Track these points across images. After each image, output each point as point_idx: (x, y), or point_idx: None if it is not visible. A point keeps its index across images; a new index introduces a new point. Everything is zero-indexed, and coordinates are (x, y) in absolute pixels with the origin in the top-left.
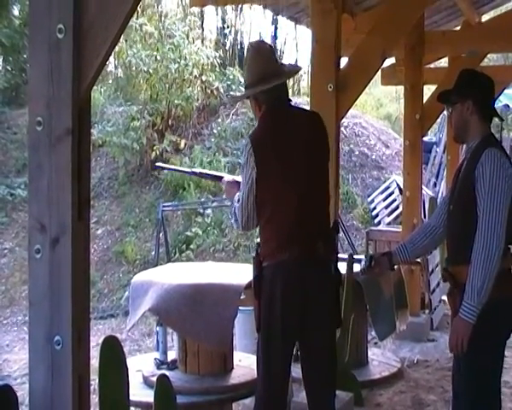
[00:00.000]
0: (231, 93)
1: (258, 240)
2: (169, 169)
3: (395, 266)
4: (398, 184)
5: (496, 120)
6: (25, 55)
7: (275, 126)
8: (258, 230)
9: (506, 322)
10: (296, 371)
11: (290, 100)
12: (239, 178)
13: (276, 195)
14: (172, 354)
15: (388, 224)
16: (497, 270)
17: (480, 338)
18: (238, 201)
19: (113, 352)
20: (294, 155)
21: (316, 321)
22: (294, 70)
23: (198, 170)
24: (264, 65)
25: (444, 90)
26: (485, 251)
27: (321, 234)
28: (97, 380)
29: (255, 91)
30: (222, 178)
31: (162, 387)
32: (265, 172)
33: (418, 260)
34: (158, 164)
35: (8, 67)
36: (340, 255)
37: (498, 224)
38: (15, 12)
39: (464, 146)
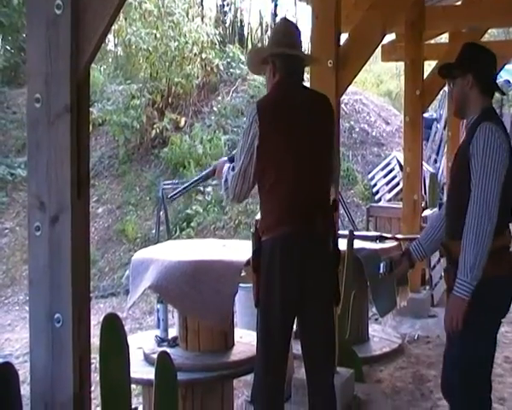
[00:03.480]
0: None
1: (258, 216)
2: (181, 192)
3: (382, 235)
4: (398, 161)
5: (497, 95)
6: (24, 35)
7: (283, 98)
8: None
9: (502, 300)
10: (297, 347)
11: (303, 80)
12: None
13: (277, 167)
14: (173, 332)
15: (389, 200)
16: (494, 247)
17: (474, 315)
18: (233, 169)
19: (114, 330)
20: (298, 130)
21: (314, 297)
22: (313, 59)
23: (195, 178)
24: (294, 37)
25: (445, 64)
26: (477, 227)
27: (320, 210)
28: (98, 358)
29: (278, 51)
30: (214, 169)
31: (163, 364)
32: (268, 141)
33: (418, 236)
34: (170, 195)
35: (7, 47)
36: (340, 232)
37: (490, 199)
38: None
39: (465, 121)
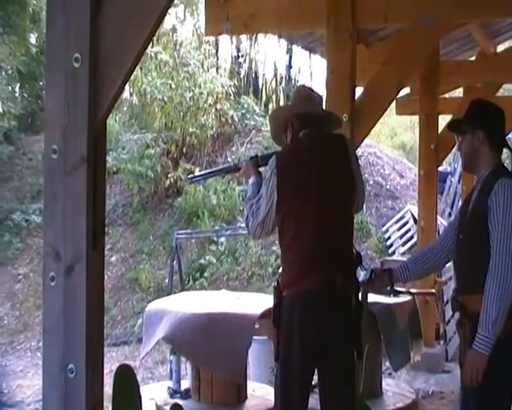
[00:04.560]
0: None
1: (281, 269)
2: (202, 177)
3: (394, 286)
4: (412, 214)
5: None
6: (41, 83)
7: (301, 150)
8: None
9: None
10: (311, 401)
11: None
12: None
13: (296, 221)
14: (186, 383)
15: (403, 254)
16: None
17: (490, 371)
18: (252, 212)
19: (127, 381)
20: (317, 182)
21: (334, 352)
22: (336, 118)
23: (217, 168)
24: (310, 98)
25: (454, 119)
26: (500, 282)
27: (341, 265)
28: (110, 408)
29: (294, 112)
30: (237, 168)
31: None
32: (286, 194)
33: (433, 290)
34: (190, 176)
35: (25, 94)
36: None
37: None
38: (32, 40)
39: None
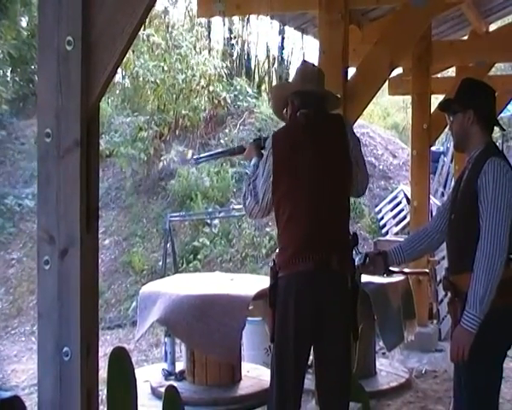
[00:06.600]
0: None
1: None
2: (207, 158)
3: (389, 268)
4: (405, 194)
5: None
6: (32, 67)
7: (298, 130)
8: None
9: (507, 332)
10: (306, 381)
11: (322, 113)
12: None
13: (292, 203)
14: (180, 365)
15: (396, 234)
16: (501, 278)
17: (481, 348)
18: (250, 191)
19: (122, 363)
20: (313, 163)
21: (329, 333)
22: (336, 97)
23: (221, 149)
24: (310, 76)
25: (445, 99)
26: (488, 260)
27: (336, 246)
28: (105, 391)
29: (294, 89)
30: (242, 149)
31: (170, 398)
32: (282, 175)
33: (426, 270)
34: (195, 157)
35: (17, 78)
36: None
37: (501, 233)
38: (23, 24)
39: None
